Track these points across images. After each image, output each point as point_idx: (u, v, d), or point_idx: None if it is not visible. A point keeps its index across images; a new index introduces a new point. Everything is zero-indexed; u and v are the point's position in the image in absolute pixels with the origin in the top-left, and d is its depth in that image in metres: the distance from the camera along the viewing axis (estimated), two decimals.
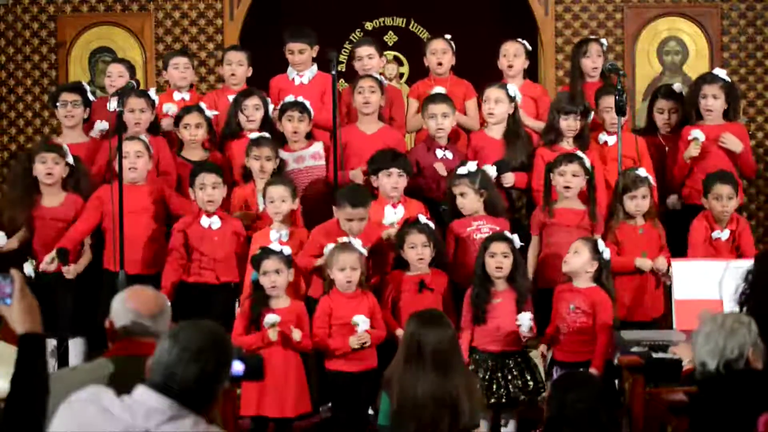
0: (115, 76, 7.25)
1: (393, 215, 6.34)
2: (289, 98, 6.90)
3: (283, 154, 6.75)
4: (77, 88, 7.07)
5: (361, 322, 5.72)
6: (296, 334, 5.69)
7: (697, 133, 6.75)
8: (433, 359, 4.28)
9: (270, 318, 5.65)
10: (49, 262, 6.28)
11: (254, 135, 6.66)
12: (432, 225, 6.13)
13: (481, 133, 6.99)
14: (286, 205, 6.23)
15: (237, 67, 7.33)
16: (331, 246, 5.96)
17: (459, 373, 4.32)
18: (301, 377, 5.77)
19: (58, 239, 6.39)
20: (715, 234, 6.46)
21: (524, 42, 7.37)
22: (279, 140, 6.85)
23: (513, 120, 6.86)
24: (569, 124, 6.77)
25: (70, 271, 6.32)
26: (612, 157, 6.64)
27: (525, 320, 5.72)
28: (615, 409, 4.06)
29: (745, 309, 4.53)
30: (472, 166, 6.41)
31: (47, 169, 6.47)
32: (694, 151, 6.74)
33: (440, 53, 7.31)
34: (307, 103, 6.86)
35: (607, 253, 5.89)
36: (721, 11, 8.67)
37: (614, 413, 3.91)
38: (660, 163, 7.03)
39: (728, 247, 6.46)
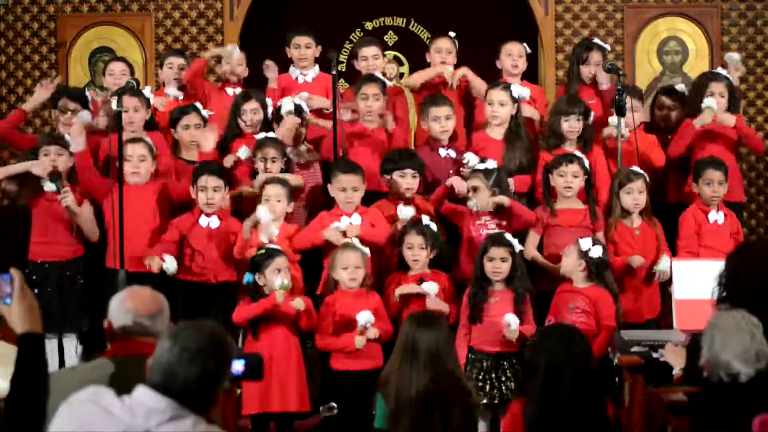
0: (118, 73, 7.22)
1: (408, 211, 6.31)
2: (287, 99, 6.89)
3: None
4: (80, 96, 7.07)
5: (363, 318, 5.72)
6: (299, 303, 5.69)
7: (710, 102, 6.75)
8: (427, 359, 4.29)
9: (278, 281, 5.64)
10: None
11: (260, 136, 6.66)
12: (435, 227, 6.14)
13: (482, 133, 6.99)
14: (281, 205, 6.25)
15: (236, 66, 7.34)
16: (335, 226, 6.11)
17: (452, 373, 4.33)
18: (301, 374, 5.79)
19: (61, 223, 6.43)
20: (711, 216, 6.50)
21: (524, 44, 7.39)
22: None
23: (515, 121, 6.86)
24: (571, 125, 6.77)
25: (67, 198, 6.31)
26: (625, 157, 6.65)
27: (510, 319, 5.73)
28: (586, 370, 4.17)
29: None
30: (491, 163, 6.41)
31: (51, 162, 6.52)
32: (708, 117, 6.72)
33: (445, 52, 7.32)
34: (304, 105, 6.86)
35: (594, 251, 5.91)
36: (721, 11, 8.67)
37: (583, 375, 4.11)
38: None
39: (727, 232, 6.50)
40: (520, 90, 6.95)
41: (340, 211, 6.34)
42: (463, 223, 6.42)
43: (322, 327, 5.86)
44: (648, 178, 6.49)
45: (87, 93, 6.95)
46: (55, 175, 6.40)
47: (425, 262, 6.09)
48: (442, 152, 6.82)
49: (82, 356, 6.47)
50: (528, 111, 7.14)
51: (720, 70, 7.37)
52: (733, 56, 7.30)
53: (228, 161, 6.73)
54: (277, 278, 5.68)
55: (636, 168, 6.49)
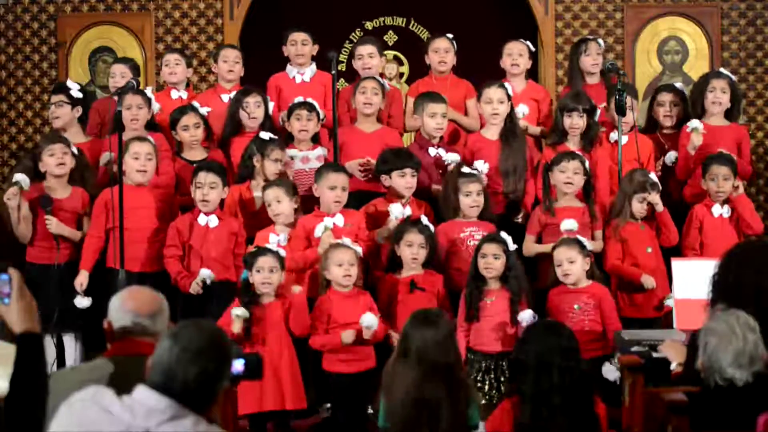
0: (118, 76, 7.27)
1: (401, 210, 6.33)
2: (299, 99, 6.90)
3: (289, 151, 6.76)
4: (60, 88, 7.09)
5: (367, 321, 5.71)
6: (296, 288, 5.71)
7: (695, 123, 6.76)
8: (417, 359, 4.26)
9: (237, 310, 5.65)
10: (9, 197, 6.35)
11: (265, 135, 6.65)
12: (432, 228, 6.14)
13: (477, 134, 6.99)
14: (282, 205, 6.24)
15: (234, 64, 7.35)
16: (321, 226, 6.09)
17: (445, 375, 4.27)
18: (295, 372, 5.77)
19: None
20: (716, 210, 6.51)
21: (527, 42, 7.39)
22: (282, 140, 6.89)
23: (510, 120, 6.87)
24: (573, 121, 6.77)
25: (53, 224, 6.35)
26: (625, 158, 6.63)
27: (526, 316, 5.74)
28: (576, 365, 4.19)
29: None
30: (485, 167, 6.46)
31: (58, 160, 6.51)
32: (696, 140, 6.72)
33: (443, 52, 7.32)
34: (316, 104, 6.87)
35: (589, 245, 6.03)
36: (721, 11, 8.67)
37: (573, 370, 4.14)
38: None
39: (731, 226, 6.52)
40: (521, 107, 7.00)
41: (321, 213, 6.32)
42: (448, 234, 6.39)
43: (315, 328, 5.85)
44: (660, 186, 6.50)
45: (101, 161, 6.85)
46: (46, 200, 6.40)
47: (422, 262, 6.08)
48: (432, 152, 6.80)
49: (83, 356, 6.46)
50: (531, 129, 7.17)
51: (722, 69, 7.36)
52: None
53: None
54: (234, 309, 5.69)
55: (653, 176, 6.49)
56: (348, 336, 5.73)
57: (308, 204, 6.60)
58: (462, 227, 6.37)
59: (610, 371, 5.65)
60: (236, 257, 6.32)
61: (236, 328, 5.63)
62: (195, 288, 6.14)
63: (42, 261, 6.47)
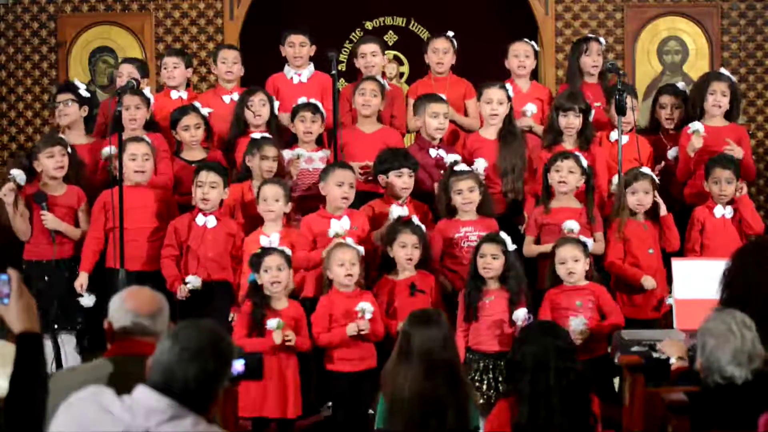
0: (126, 76, 7.25)
1: (401, 212, 6.32)
2: (302, 100, 6.91)
3: (296, 150, 6.76)
4: (67, 87, 7.11)
5: (367, 309, 5.73)
6: (292, 338, 5.70)
7: (696, 125, 6.75)
8: (420, 358, 4.26)
9: (272, 322, 5.64)
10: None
11: (257, 135, 6.67)
12: (424, 228, 6.14)
13: (475, 134, 6.99)
14: (279, 204, 6.24)
15: (232, 65, 7.36)
16: (335, 228, 6.08)
17: (447, 374, 4.27)
18: (298, 379, 5.77)
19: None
20: (718, 211, 6.50)
21: (532, 42, 7.39)
22: (283, 139, 6.89)
23: (509, 120, 6.86)
24: (569, 121, 6.77)
25: (48, 219, 6.38)
26: (625, 157, 6.62)
27: (520, 315, 5.74)
28: (572, 365, 4.18)
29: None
30: (481, 163, 6.49)
31: (57, 163, 6.52)
32: (696, 142, 6.72)
33: (441, 52, 7.32)
34: (320, 105, 6.87)
35: (590, 245, 6.06)
36: (721, 11, 8.67)
37: (570, 371, 4.13)
38: (661, 161, 7.04)
39: (736, 227, 6.51)
40: (529, 107, 7.05)
41: (326, 213, 6.32)
42: (444, 232, 6.39)
43: (318, 326, 5.85)
44: (656, 179, 6.48)
45: (102, 155, 6.80)
46: (40, 195, 6.41)
47: (416, 262, 6.07)
48: (432, 152, 6.80)
49: (81, 355, 6.46)
50: (536, 128, 7.17)
51: (722, 70, 7.36)
52: None
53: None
54: (270, 320, 5.66)
55: (645, 168, 6.49)
56: (351, 328, 5.73)
57: (308, 204, 6.61)
58: (458, 227, 6.35)
59: (579, 323, 5.72)
60: (233, 258, 6.32)
61: (278, 338, 5.62)
62: (181, 294, 6.14)
63: (39, 257, 6.47)
